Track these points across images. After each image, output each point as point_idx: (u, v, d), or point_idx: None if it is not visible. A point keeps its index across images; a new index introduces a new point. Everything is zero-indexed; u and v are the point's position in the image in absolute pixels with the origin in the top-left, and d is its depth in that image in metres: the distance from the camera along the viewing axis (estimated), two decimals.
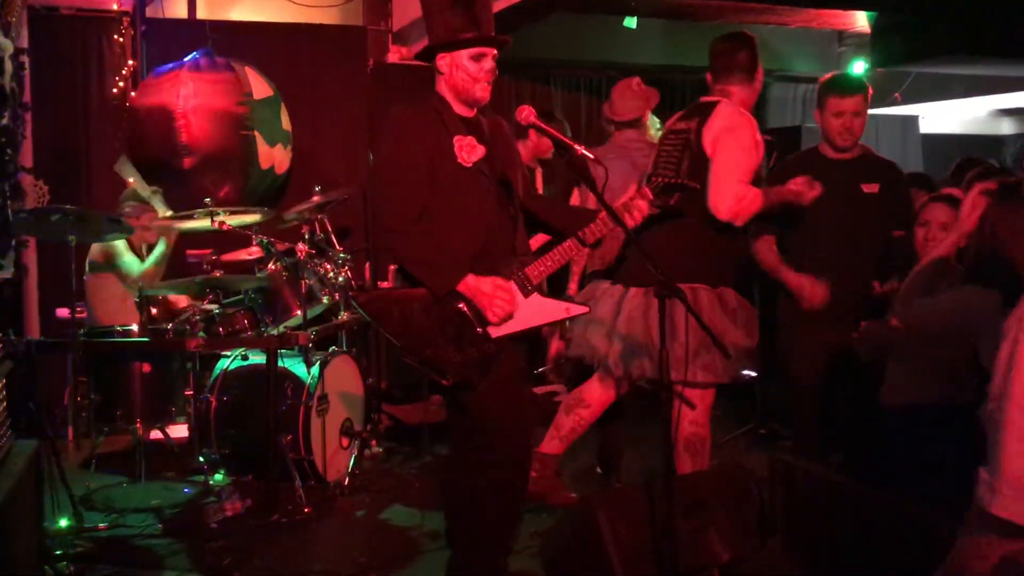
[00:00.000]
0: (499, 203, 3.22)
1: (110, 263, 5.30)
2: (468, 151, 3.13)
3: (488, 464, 3.14)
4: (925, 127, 8.54)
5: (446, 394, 3.31)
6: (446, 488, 3.34)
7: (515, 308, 3.11)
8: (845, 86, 4.22)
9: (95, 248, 5.31)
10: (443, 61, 3.15)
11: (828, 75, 4.35)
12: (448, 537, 3.33)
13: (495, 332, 3.11)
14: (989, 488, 2.02)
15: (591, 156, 3.08)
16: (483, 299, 3.08)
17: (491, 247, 3.17)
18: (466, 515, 3.22)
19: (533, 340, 5.03)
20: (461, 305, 3.09)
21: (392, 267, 5.51)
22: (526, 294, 3.14)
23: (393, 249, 3.17)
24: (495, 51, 3.17)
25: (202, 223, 4.88)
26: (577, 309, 3.33)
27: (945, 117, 9.18)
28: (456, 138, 3.13)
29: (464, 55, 3.12)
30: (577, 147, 3.08)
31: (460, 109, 3.18)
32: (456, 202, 3.14)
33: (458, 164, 3.12)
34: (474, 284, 3.08)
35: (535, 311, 3.16)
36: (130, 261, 5.29)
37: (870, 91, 4.24)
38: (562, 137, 3.11)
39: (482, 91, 3.16)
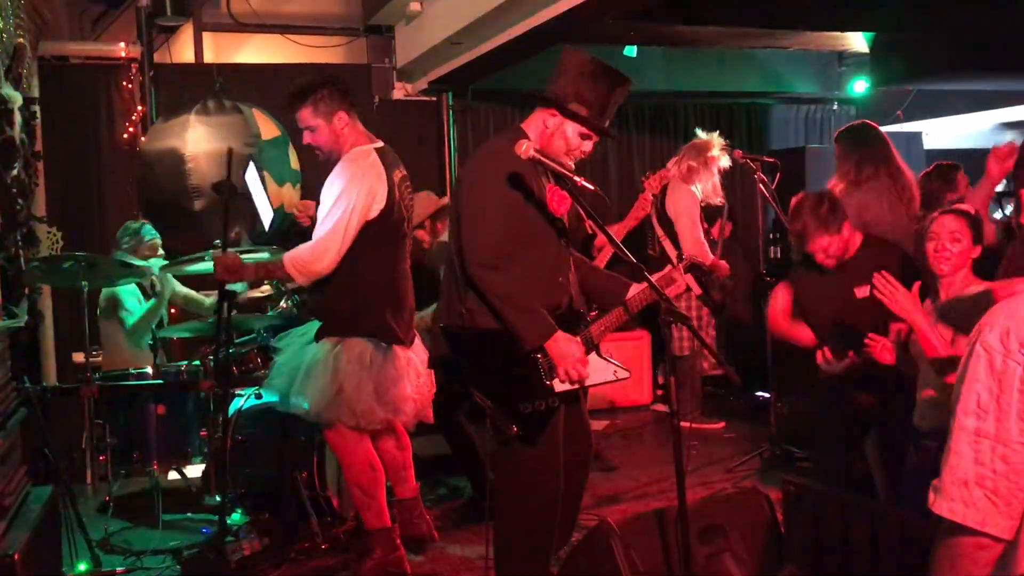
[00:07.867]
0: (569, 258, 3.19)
1: (114, 312, 5.36)
2: (559, 201, 3.01)
3: (528, 521, 3.13)
4: (929, 143, 8.55)
5: (501, 438, 3.11)
6: (495, 520, 3.25)
7: (587, 376, 3.07)
8: None
9: (102, 295, 5.38)
10: (553, 119, 3.10)
11: None
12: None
13: (558, 387, 3.09)
14: (936, 489, 2.05)
15: (591, 188, 3.09)
16: (566, 362, 3.02)
17: (564, 302, 3.15)
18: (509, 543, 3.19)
19: None
20: (538, 355, 3.04)
21: None
22: (587, 352, 3.12)
23: (487, 285, 3.01)
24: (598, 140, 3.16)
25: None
26: (622, 373, 3.22)
27: (948, 133, 9.20)
28: (550, 186, 3.03)
29: (574, 127, 3.09)
30: (578, 179, 3.04)
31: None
32: (539, 252, 3.08)
33: (550, 213, 3.04)
34: (564, 346, 3.01)
35: (590, 370, 3.13)
36: (125, 315, 5.36)
37: None
38: (562, 170, 3.07)
39: (569, 161, 3.13)
